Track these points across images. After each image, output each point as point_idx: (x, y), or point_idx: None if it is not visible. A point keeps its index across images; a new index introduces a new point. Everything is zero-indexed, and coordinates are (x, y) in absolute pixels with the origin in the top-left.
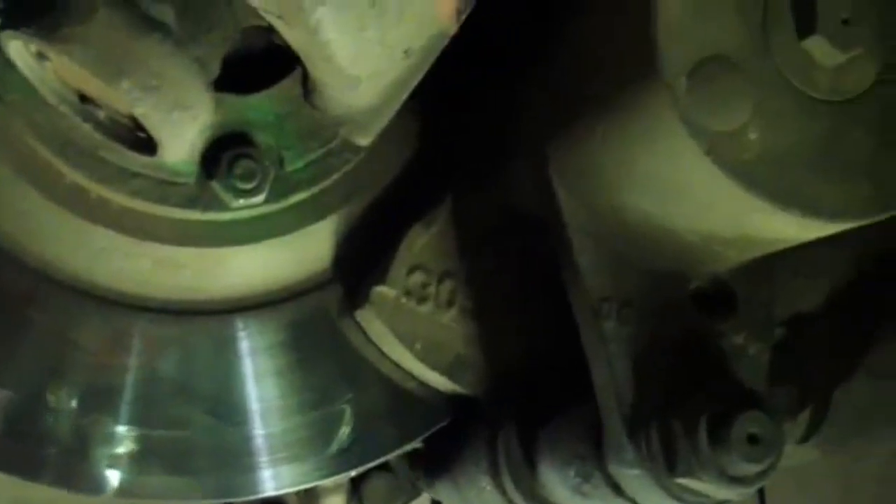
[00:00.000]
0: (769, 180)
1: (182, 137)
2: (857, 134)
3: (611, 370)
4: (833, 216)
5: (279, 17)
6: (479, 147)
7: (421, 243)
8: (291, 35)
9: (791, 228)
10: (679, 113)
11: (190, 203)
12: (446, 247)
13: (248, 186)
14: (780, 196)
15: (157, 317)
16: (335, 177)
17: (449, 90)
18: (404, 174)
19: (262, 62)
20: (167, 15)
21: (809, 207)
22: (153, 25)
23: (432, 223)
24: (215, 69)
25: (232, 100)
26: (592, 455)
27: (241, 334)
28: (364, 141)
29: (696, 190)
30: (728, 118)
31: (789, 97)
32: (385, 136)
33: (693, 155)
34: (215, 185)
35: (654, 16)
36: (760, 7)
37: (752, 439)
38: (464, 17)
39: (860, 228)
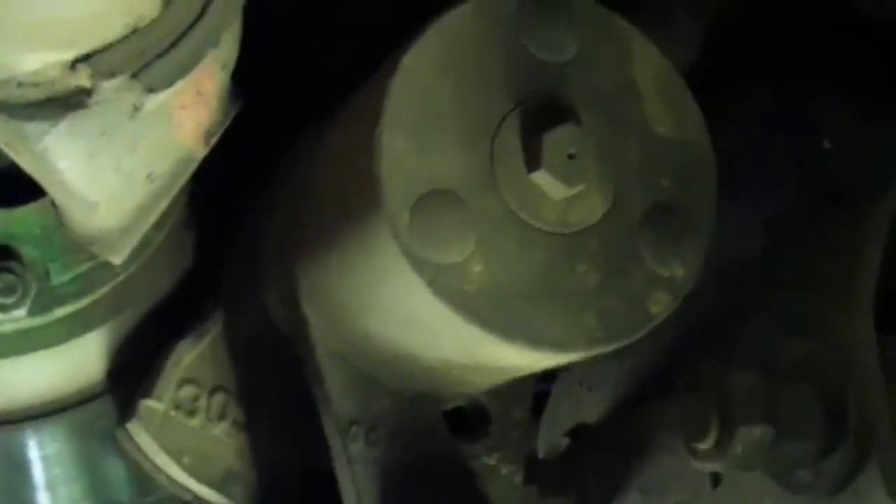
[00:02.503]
0: (491, 312)
1: None
2: (583, 266)
3: (357, 492)
4: (557, 347)
5: (5, 144)
6: (244, 262)
7: (191, 357)
8: (21, 161)
9: (519, 358)
10: (400, 246)
11: None
12: (219, 360)
13: (9, 301)
14: (503, 327)
15: None
16: (104, 289)
17: (221, 202)
18: (179, 287)
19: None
20: None
21: (533, 339)
22: None
23: (203, 336)
24: None
25: None
26: None
27: (31, 443)
28: (116, 259)
29: (426, 320)
30: (451, 251)
31: (515, 230)
32: (160, 248)
33: (417, 287)
34: None
35: (378, 151)
36: (488, 143)
37: None
38: (215, 139)
39: (642, 343)
